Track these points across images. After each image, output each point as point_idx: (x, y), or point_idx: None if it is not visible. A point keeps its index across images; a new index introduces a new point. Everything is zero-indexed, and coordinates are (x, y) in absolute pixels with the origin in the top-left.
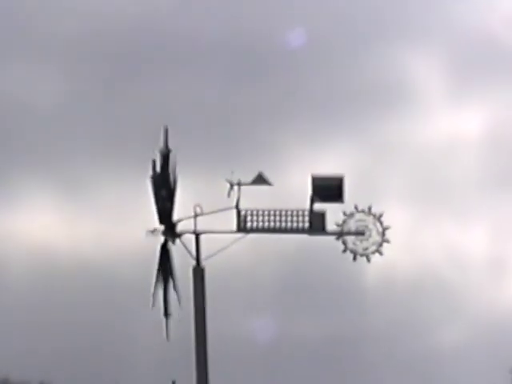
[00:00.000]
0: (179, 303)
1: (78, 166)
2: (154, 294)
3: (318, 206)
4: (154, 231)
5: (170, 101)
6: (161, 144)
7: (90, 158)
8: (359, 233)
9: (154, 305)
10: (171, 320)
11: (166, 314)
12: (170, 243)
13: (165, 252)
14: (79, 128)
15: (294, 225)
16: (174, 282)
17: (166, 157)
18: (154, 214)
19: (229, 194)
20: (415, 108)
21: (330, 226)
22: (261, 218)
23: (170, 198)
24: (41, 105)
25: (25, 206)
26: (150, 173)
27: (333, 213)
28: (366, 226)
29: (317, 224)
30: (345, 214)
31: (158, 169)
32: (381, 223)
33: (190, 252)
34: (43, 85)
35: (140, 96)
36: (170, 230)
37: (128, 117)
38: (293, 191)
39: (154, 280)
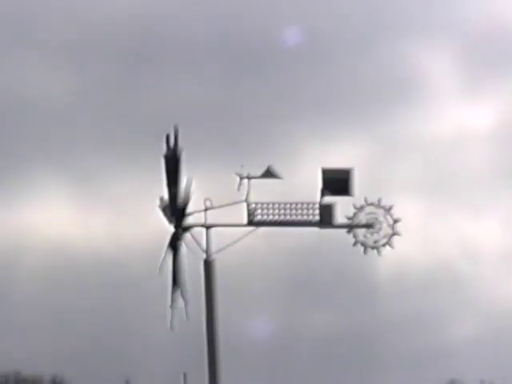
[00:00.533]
0: (185, 308)
1: (91, 161)
2: (162, 264)
3: (328, 200)
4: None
5: (180, 98)
6: (171, 142)
7: (102, 154)
8: (369, 225)
9: (161, 271)
10: (179, 313)
11: (173, 306)
12: (179, 240)
13: (175, 245)
14: (92, 125)
15: (304, 218)
16: (181, 290)
17: (175, 155)
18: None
19: (238, 188)
20: (425, 101)
21: (341, 219)
22: (271, 212)
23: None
24: (54, 103)
25: (40, 202)
26: (164, 149)
27: (344, 206)
28: (376, 219)
29: (327, 217)
30: (355, 207)
31: (172, 144)
32: (391, 216)
33: (200, 245)
34: (56, 85)
35: (150, 94)
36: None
37: (139, 113)
38: (303, 184)
39: (162, 255)
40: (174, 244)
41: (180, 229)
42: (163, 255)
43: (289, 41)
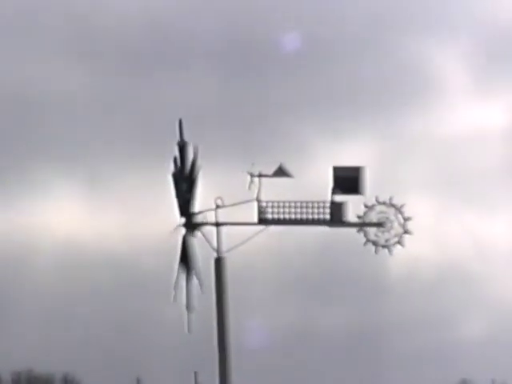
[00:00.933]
0: (201, 288)
1: (102, 160)
2: (176, 286)
3: (339, 198)
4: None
5: (192, 96)
6: (178, 136)
7: (113, 152)
8: (379, 224)
9: (175, 299)
10: (193, 312)
11: (189, 307)
12: (190, 236)
13: (186, 244)
14: (104, 124)
15: (315, 216)
16: (195, 271)
17: (183, 148)
18: (176, 205)
19: (249, 186)
20: (437, 100)
21: (352, 217)
22: (281, 210)
23: (190, 191)
24: (65, 103)
25: (52, 200)
26: (172, 169)
27: (355, 205)
28: (387, 218)
29: (338, 216)
30: (366, 205)
31: (179, 163)
32: (402, 214)
33: (211, 244)
34: (67, 84)
35: (155, 93)
36: (191, 223)
37: (144, 112)
38: (314, 183)
39: (175, 273)
40: (186, 248)
41: (190, 226)
42: (175, 277)
43: (296, 41)
